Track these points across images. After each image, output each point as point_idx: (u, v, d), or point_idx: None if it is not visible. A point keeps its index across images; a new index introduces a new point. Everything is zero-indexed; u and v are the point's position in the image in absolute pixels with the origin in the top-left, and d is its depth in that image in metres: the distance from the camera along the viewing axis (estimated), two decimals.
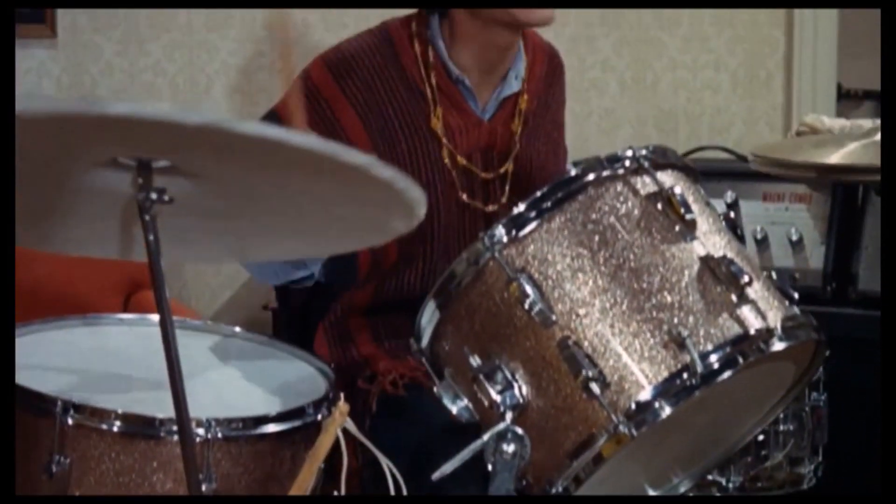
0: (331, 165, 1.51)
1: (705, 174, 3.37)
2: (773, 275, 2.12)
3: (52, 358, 2.30)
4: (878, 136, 2.47)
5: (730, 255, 2.00)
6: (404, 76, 2.60)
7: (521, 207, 1.97)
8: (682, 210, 1.98)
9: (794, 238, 3.34)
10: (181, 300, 4.02)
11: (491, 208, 2.63)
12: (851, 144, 2.46)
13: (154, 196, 1.70)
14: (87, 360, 2.30)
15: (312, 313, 2.70)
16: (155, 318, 2.35)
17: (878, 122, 3.33)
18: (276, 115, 2.66)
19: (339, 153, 1.51)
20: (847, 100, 5.47)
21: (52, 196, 1.83)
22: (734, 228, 2.13)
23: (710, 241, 2.01)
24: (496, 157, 2.64)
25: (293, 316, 2.77)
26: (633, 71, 4.16)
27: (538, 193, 1.97)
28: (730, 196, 3.39)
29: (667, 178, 2.04)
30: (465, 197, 2.61)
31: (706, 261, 1.96)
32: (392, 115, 2.58)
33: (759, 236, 3.35)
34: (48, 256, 3.88)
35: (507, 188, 2.64)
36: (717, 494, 2.62)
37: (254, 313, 3.90)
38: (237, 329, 2.49)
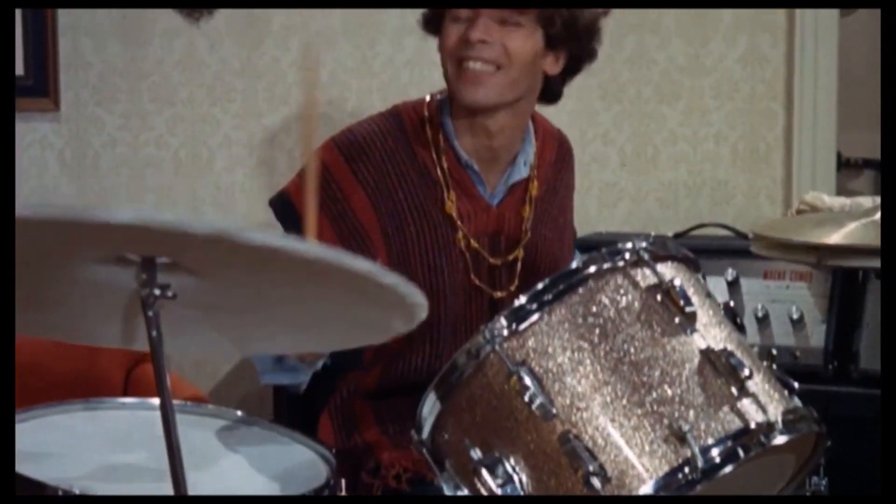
0: (336, 272, 1.52)
1: (706, 252, 3.41)
2: (774, 363, 2.12)
3: (52, 444, 2.30)
4: (877, 216, 2.47)
5: (730, 347, 2.00)
6: (415, 160, 2.61)
7: (522, 300, 1.98)
8: (682, 303, 1.98)
9: (795, 316, 3.33)
10: (182, 374, 4.02)
11: (499, 294, 2.63)
12: (851, 224, 2.46)
13: (157, 292, 1.70)
14: (89, 447, 2.30)
15: (317, 394, 2.70)
16: (156, 401, 2.37)
17: (878, 199, 3.34)
18: (287, 198, 2.67)
19: (344, 261, 1.52)
20: (847, 168, 5.50)
21: (53, 287, 1.84)
22: (734, 318, 2.13)
23: (711, 333, 2.02)
24: (504, 243, 2.66)
25: (297, 395, 2.77)
26: (633, 144, 4.18)
27: (539, 286, 1.98)
28: (730, 274, 3.39)
29: (667, 270, 2.04)
30: (476, 280, 2.62)
31: (706, 354, 1.97)
32: (402, 198, 2.59)
33: (760, 314, 3.35)
34: None
35: (516, 275, 2.65)
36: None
37: (255, 388, 3.90)
38: (238, 413, 2.49)
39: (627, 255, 2.01)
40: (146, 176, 4.14)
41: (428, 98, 2.71)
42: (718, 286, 3.39)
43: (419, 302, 1.62)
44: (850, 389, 3.26)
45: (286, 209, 2.64)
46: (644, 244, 2.03)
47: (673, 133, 4.18)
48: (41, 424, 2.37)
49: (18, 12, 4.03)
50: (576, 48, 2.67)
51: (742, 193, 4.18)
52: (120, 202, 4.13)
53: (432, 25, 2.69)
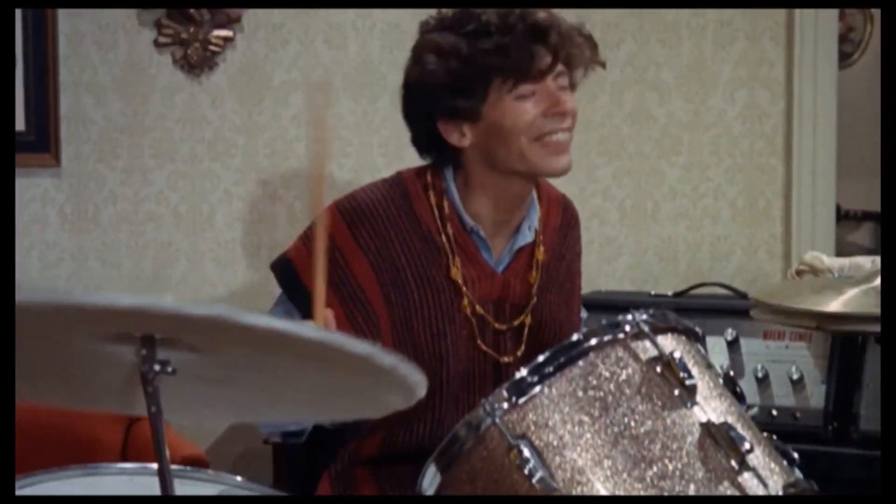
0: (335, 354, 1.52)
1: (705, 311, 3.42)
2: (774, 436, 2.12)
3: None
4: (876, 282, 2.48)
5: (730, 420, 2.00)
6: (418, 227, 2.61)
7: (524, 372, 1.98)
8: (683, 375, 1.99)
9: (795, 376, 3.34)
10: (180, 431, 4.01)
11: (506, 359, 2.63)
12: (850, 291, 2.46)
13: (157, 368, 1.70)
14: None
15: (318, 457, 2.69)
16: (152, 466, 2.38)
17: (877, 260, 3.35)
18: (288, 262, 2.67)
19: (344, 344, 1.52)
20: (846, 220, 5.52)
21: (54, 360, 1.84)
22: (734, 387, 2.13)
23: (711, 405, 2.02)
24: (509, 309, 2.65)
25: (298, 459, 2.77)
26: (633, 200, 4.19)
27: (540, 358, 1.98)
28: (730, 334, 3.40)
29: (667, 342, 2.05)
30: (482, 346, 2.61)
31: (707, 427, 1.97)
32: (405, 265, 2.58)
33: (759, 374, 3.35)
34: None
35: (523, 340, 2.65)
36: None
37: (254, 445, 3.88)
38: (238, 478, 2.48)
39: (628, 328, 2.02)
40: (147, 231, 4.14)
41: (428, 165, 2.71)
42: (718, 346, 3.39)
43: (418, 381, 1.63)
44: (851, 451, 3.27)
45: (288, 274, 2.64)
46: (644, 316, 2.03)
47: (672, 188, 4.20)
48: (39, 491, 2.36)
49: (20, 68, 4.05)
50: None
51: (742, 249, 4.20)
52: (120, 258, 4.13)
53: (466, 107, 2.60)
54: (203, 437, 4.07)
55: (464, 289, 2.58)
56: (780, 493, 1.97)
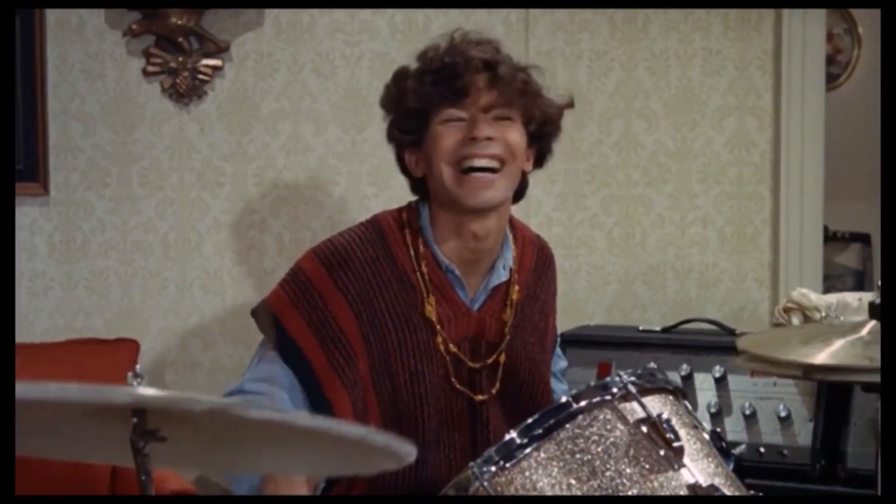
0: (329, 437, 1.53)
1: (694, 348, 3.42)
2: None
3: None
4: (864, 332, 2.48)
5: (717, 482, 2.01)
6: (395, 268, 2.63)
7: (513, 434, 1.98)
8: (670, 436, 1.99)
9: (783, 414, 3.33)
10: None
11: (480, 397, 2.64)
12: (838, 342, 2.45)
13: (147, 438, 1.71)
14: None
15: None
16: None
17: (864, 298, 3.35)
18: (266, 307, 2.68)
19: (337, 428, 1.53)
20: (834, 241, 5.53)
21: (49, 427, 1.84)
22: (720, 444, 2.14)
23: (698, 467, 2.02)
24: (484, 347, 2.66)
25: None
26: (621, 228, 4.20)
27: (529, 420, 1.99)
28: (718, 371, 3.40)
29: (654, 403, 2.05)
30: (456, 384, 2.62)
31: (694, 489, 1.97)
32: (383, 306, 2.60)
33: (747, 412, 3.35)
34: None
35: (498, 378, 2.66)
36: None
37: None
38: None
39: (615, 389, 2.02)
40: (135, 260, 4.14)
41: (406, 205, 2.74)
42: (706, 382, 3.39)
43: (408, 451, 1.63)
44: (838, 489, 3.26)
45: (271, 321, 2.65)
46: (632, 378, 2.04)
47: (661, 216, 4.20)
48: None
49: None
50: (544, 145, 2.73)
51: (730, 277, 4.20)
52: (109, 286, 4.13)
53: (410, 135, 2.69)
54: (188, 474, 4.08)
55: (437, 327, 2.60)
56: None
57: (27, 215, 4.13)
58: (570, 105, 2.76)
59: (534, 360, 2.71)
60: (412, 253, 2.64)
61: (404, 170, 2.79)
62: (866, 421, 3.25)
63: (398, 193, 3.94)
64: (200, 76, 4.09)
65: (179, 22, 4.04)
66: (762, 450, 3.30)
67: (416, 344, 2.60)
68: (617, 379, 2.04)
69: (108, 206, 4.13)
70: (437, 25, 4.10)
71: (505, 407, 2.65)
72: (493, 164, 2.59)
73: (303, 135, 4.13)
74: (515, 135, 2.65)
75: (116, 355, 3.92)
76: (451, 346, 2.62)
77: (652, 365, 3.28)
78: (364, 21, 4.11)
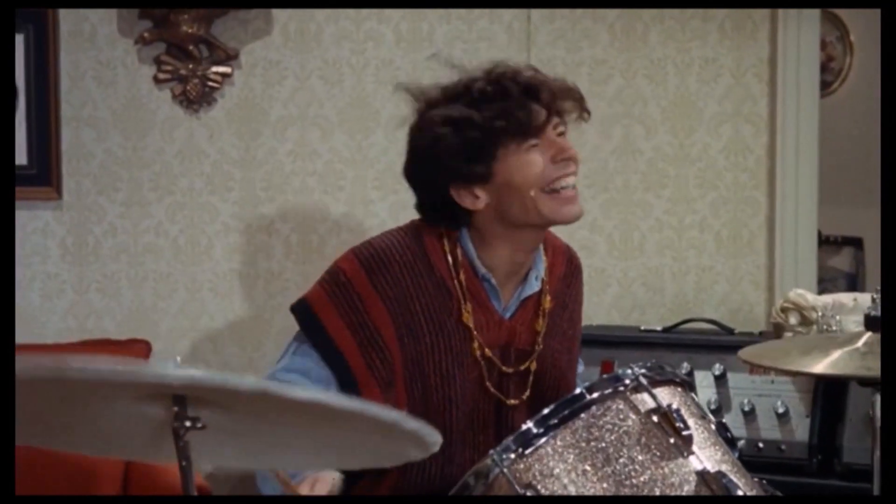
0: (365, 419, 1.62)
1: (694, 347, 3.52)
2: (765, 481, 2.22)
3: None
4: (860, 343, 2.59)
5: (724, 468, 2.11)
6: (432, 273, 2.71)
7: (530, 424, 2.08)
8: (679, 425, 2.09)
9: (781, 410, 3.44)
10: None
11: (512, 402, 2.73)
12: (836, 352, 2.57)
13: (189, 424, 1.80)
14: None
15: None
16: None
17: (859, 298, 3.46)
18: (307, 306, 2.76)
19: (372, 411, 1.62)
20: (827, 245, 5.63)
21: (87, 415, 1.92)
22: (726, 434, 2.24)
23: (706, 454, 2.13)
24: (514, 355, 2.75)
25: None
26: (620, 232, 4.30)
27: (545, 411, 2.08)
28: (718, 369, 3.50)
29: (664, 394, 2.16)
30: (490, 388, 2.71)
31: (703, 475, 2.07)
32: (419, 309, 2.69)
33: (746, 408, 3.45)
34: None
35: (528, 384, 2.75)
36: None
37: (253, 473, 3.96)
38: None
39: (628, 381, 2.13)
40: (146, 262, 4.24)
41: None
42: (706, 380, 3.49)
43: (436, 439, 1.73)
44: (835, 483, 3.36)
45: (307, 316, 2.74)
46: (643, 370, 2.14)
47: (659, 221, 4.30)
48: None
49: (22, 103, 4.14)
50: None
51: (726, 279, 4.30)
52: (120, 289, 4.22)
53: (479, 169, 2.71)
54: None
55: (474, 332, 2.69)
56: None
57: (40, 219, 4.21)
58: (588, 115, 2.85)
59: (561, 368, 2.81)
60: (450, 260, 2.72)
61: (440, 203, 2.79)
62: (861, 417, 3.34)
63: (403, 198, 4.04)
64: (210, 83, 4.19)
65: (190, 30, 4.14)
66: (761, 445, 3.40)
67: (449, 348, 2.69)
68: (629, 371, 2.14)
69: (120, 210, 4.23)
70: (441, 34, 4.21)
71: (531, 412, 2.73)
72: (574, 179, 2.69)
73: (310, 140, 4.23)
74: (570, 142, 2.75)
75: (128, 356, 4.01)
76: (487, 350, 2.71)
77: None
78: (370, 30, 4.21)
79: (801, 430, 3.43)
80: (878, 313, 2.60)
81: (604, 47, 4.23)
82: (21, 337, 4.08)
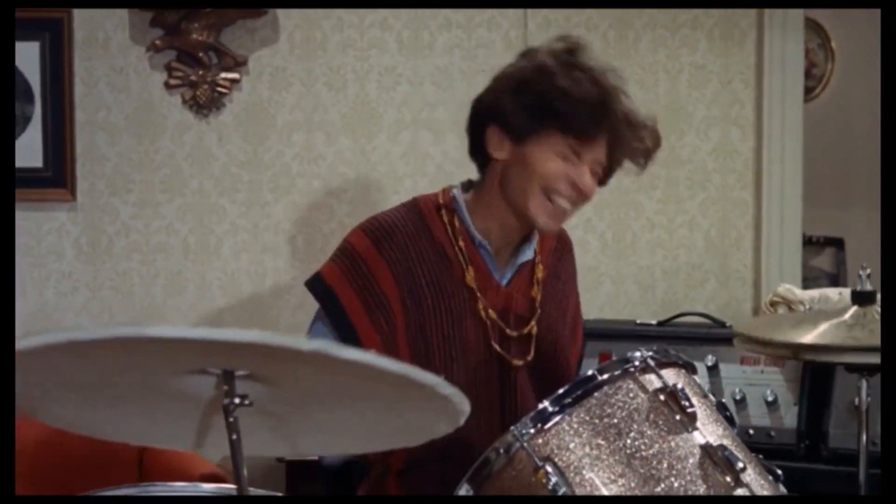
0: (405, 382, 1.79)
1: (687, 339, 3.69)
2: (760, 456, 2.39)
3: None
4: (847, 316, 2.77)
5: (726, 442, 2.28)
6: (433, 241, 2.89)
7: (546, 403, 2.25)
8: (684, 403, 2.27)
9: (770, 399, 3.61)
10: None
11: (517, 363, 2.90)
12: (823, 325, 2.75)
13: (237, 401, 1.96)
14: None
15: (352, 473, 2.94)
16: (204, 486, 2.62)
17: (845, 293, 3.64)
18: (320, 278, 2.93)
19: (415, 373, 1.79)
20: (810, 246, 5.81)
21: (135, 396, 2.09)
22: (726, 413, 2.41)
23: (709, 430, 2.30)
24: (512, 319, 2.92)
25: (333, 475, 3.00)
26: (613, 231, 4.47)
27: (560, 391, 2.26)
28: (710, 360, 3.66)
29: (670, 375, 2.33)
30: (497, 348, 2.88)
31: (706, 449, 2.25)
32: (420, 273, 2.86)
33: (737, 397, 3.61)
34: None
35: (531, 347, 2.92)
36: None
37: (262, 461, 4.10)
38: (279, 494, 2.72)
39: (637, 363, 2.30)
40: (157, 261, 4.40)
41: (441, 190, 2.98)
42: (699, 371, 3.64)
43: (466, 409, 1.90)
44: (821, 467, 3.52)
45: (323, 290, 2.90)
46: (650, 353, 2.32)
47: (650, 220, 4.48)
48: None
49: (38, 108, 4.30)
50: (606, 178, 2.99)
51: (715, 277, 4.48)
52: (132, 286, 4.38)
53: (529, 124, 2.84)
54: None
55: (478, 294, 2.86)
56: None
57: (55, 220, 4.37)
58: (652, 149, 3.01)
59: (556, 332, 2.98)
60: (449, 230, 2.90)
61: (475, 142, 2.95)
62: (846, 405, 3.51)
63: (405, 199, 4.22)
64: (219, 89, 4.35)
65: (200, 38, 4.30)
66: (751, 431, 3.56)
67: (450, 310, 2.86)
68: (637, 354, 2.31)
69: (132, 211, 4.38)
70: (442, 42, 4.38)
71: (531, 374, 2.91)
72: (571, 206, 2.85)
73: (315, 144, 4.39)
74: (594, 184, 2.92)
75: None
76: (491, 312, 2.89)
77: None
78: (373, 38, 4.38)
79: (789, 417, 3.60)
80: (864, 288, 2.80)
81: (597, 55, 4.37)
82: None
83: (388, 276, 2.86)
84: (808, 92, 6.18)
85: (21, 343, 1.79)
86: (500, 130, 2.87)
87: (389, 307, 2.85)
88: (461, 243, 2.89)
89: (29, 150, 4.31)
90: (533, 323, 2.94)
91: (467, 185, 2.97)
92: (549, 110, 2.81)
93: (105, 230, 4.39)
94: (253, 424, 2.07)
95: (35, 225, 4.35)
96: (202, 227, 4.40)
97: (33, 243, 4.36)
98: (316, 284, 2.93)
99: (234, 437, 1.97)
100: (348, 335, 2.83)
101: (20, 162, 4.28)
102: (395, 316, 2.85)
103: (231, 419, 1.97)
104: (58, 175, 4.34)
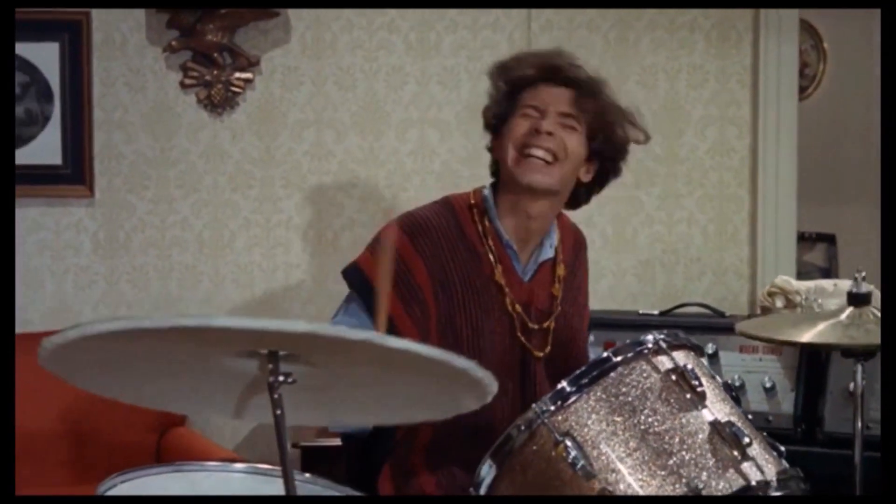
0: (442, 368, 1.94)
1: (688, 328, 3.80)
2: (765, 433, 2.54)
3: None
4: (843, 317, 2.93)
5: (733, 419, 2.43)
6: (464, 239, 3.04)
7: (564, 383, 2.40)
8: (694, 383, 2.42)
9: (768, 385, 3.76)
10: (205, 435, 4.41)
11: (539, 354, 3.05)
12: (821, 325, 2.92)
13: (282, 378, 2.11)
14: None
15: (377, 446, 3.06)
16: (235, 465, 2.76)
17: (839, 284, 3.79)
18: (359, 269, 3.07)
19: (452, 360, 1.93)
20: (802, 242, 5.96)
21: (186, 374, 2.23)
22: (731, 393, 2.56)
23: (717, 407, 2.45)
24: (533, 314, 3.07)
25: (357, 451, 3.12)
26: (614, 226, 4.62)
27: (577, 372, 2.41)
28: (711, 348, 3.80)
29: (680, 356, 2.48)
30: (522, 339, 3.03)
31: (714, 425, 2.40)
32: (452, 268, 3.01)
33: (736, 383, 3.73)
34: (85, 396, 4.25)
35: (549, 341, 3.07)
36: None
37: (273, 450, 4.22)
38: (307, 475, 2.84)
39: (650, 345, 2.45)
40: (172, 255, 4.54)
41: (473, 190, 3.14)
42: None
43: (493, 390, 2.04)
44: (817, 450, 3.67)
45: (361, 279, 3.04)
46: (662, 336, 2.47)
47: (650, 216, 4.63)
48: (138, 486, 2.71)
49: (57, 107, 4.43)
50: (607, 163, 3.13)
51: (712, 270, 4.63)
52: (149, 280, 4.52)
53: (497, 121, 3.10)
54: (229, 440, 4.47)
55: (506, 290, 3.01)
56: (774, 479, 2.40)
57: (74, 215, 4.50)
58: (643, 141, 3.17)
59: (573, 327, 3.14)
60: (480, 228, 3.05)
61: (491, 153, 3.18)
62: (840, 391, 3.67)
63: (413, 195, 4.39)
64: (233, 88, 4.49)
65: (214, 39, 4.44)
66: (750, 416, 3.61)
67: (479, 304, 3.01)
68: (650, 337, 2.47)
69: (148, 207, 4.52)
70: (448, 43, 4.52)
71: (548, 366, 3.06)
72: (548, 156, 3.00)
73: (325, 142, 4.54)
74: (574, 141, 3.05)
75: None
76: (517, 306, 3.03)
77: None
78: (381, 39, 4.52)
79: (786, 402, 3.75)
80: (859, 290, 2.95)
81: (599, 55, 4.53)
82: (56, 325, 4.38)
83: (422, 270, 3.00)
84: (801, 91, 6.30)
85: (87, 328, 1.92)
86: (495, 137, 3.12)
87: (423, 299, 2.99)
88: (490, 242, 3.04)
89: (48, 148, 4.46)
90: (553, 318, 3.09)
91: (496, 186, 3.12)
92: (506, 86, 3.08)
93: (122, 225, 4.52)
94: (293, 397, 2.19)
95: (54, 220, 4.49)
96: (216, 222, 4.54)
97: (53, 238, 4.49)
98: (353, 273, 3.07)
99: (279, 412, 2.10)
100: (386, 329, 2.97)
101: (40, 159, 4.43)
102: (428, 307, 2.99)
103: (276, 396, 2.10)
104: (76, 172, 4.48)
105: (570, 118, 3.06)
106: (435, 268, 3.00)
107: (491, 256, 3.03)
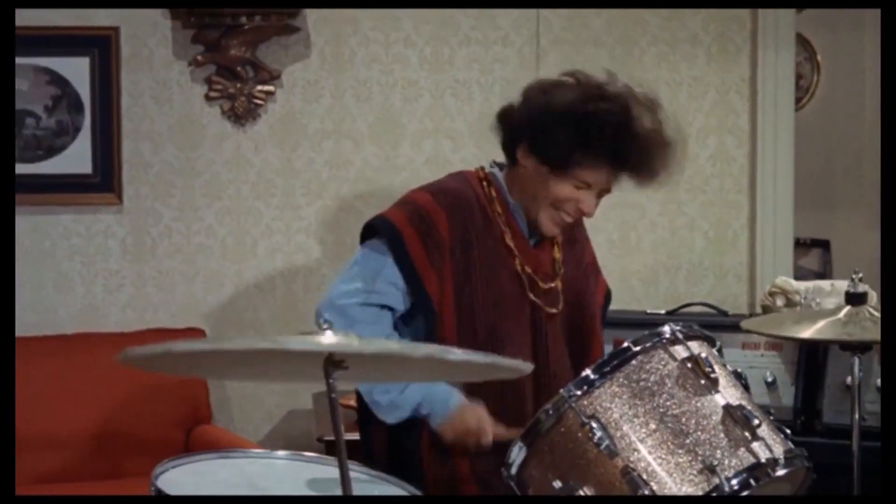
0: (492, 369, 2.17)
1: None
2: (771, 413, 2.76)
3: (199, 486, 2.82)
4: (841, 315, 3.17)
5: (743, 403, 2.64)
6: (478, 202, 3.23)
7: (588, 371, 2.61)
8: (708, 370, 2.63)
9: (769, 380, 3.97)
10: (231, 430, 4.61)
11: (551, 310, 3.26)
12: (821, 322, 3.17)
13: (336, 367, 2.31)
14: (227, 488, 2.82)
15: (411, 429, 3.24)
16: (278, 452, 2.95)
17: (836, 284, 4.00)
18: (387, 220, 3.23)
19: (501, 362, 2.16)
20: (798, 247, 6.15)
21: (248, 366, 2.44)
22: (741, 380, 2.77)
23: (729, 392, 2.66)
24: (540, 276, 3.27)
25: (389, 432, 3.30)
26: (619, 231, 4.83)
27: (600, 360, 2.63)
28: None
29: (695, 346, 2.69)
30: (532, 297, 3.23)
31: (727, 408, 2.60)
32: (470, 227, 3.20)
33: None
34: (115, 395, 4.45)
35: (560, 299, 3.28)
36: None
37: (295, 442, 4.31)
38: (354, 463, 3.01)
39: (667, 335, 2.67)
40: (197, 261, 4.73)
41: (478, 167, 3.33)
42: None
43: (527, 371, 2.25)
44: (816, 440, 3.85)
45: (390, 230, 3.18)
46: (678, 327, 2.68)
47: (653, 222, 4.84)
48: (186, 471, 2.89)
49: (87, 118, 4.62)
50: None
51: (713, 274, 4.84)
52: (175, 284, 4.71)
53: (555, 159, 3.15)
54: (253, 433, 4.66)
55: (516, 252, 3.21)
56: (782, 458, 2.60)
57: (103, 222, 4.69)
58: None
59: (579, 287, 3.35)
60: (491, 193, 3.24)
61: (508, 148, 3.27)
62: (838, 385, 3.88)
63: None
64: (255, 101, 4.70)
65: (237, 53, 4.65)
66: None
67: (491, 265, 3.20)
68: (667, 328, 2.68)
69: (174, 214, 4.72)
70: (461, 57, 4.73)
71: (562, 322, 3.28)
72: (573, 220, 3.22)
73: (344, 152, 4.74)
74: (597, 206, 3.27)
75: None
76: (526, 268, 3.23)
77: None
78: (397, 53, 4.73)
79: (786, 396, 3.97)
80: (856, 290, 3.17)
81: (603, 67, 4.72)
82: (85, 327, 4.59)
83: (444, 223, 3.18)
84: (796, 102, 6.52)
85: (174, 346, 2.16)
86: (526, 151, 3.20)
87: (445, 251, 3.17)
88: (499, 209, 3.24)
89: (79, 157, 4.66)
90: (558, 278, 3.28)
91: (500, 165, 3.31)
92: (568, 147, 3.13)
93: (149, 232, 4.71)
94: (355, 374, 2.39)
95: (84, 227, 4.68)
96: (239, 229, 4.73)
97: (83, 244, 4.68)
98: (382, 223, 3.22)
99: (333, 395, 2.31)
100: (410, 273, 3.14)
101: (71, 169, 4.63)
102: (447, 264, 3.18)
103: (331, 380, 2.31)
104: (106, 181, 4.68)
105: (607, 191, 3.26)
106: (456, 221, 3.18)
107: (500, 222, 3.22)
